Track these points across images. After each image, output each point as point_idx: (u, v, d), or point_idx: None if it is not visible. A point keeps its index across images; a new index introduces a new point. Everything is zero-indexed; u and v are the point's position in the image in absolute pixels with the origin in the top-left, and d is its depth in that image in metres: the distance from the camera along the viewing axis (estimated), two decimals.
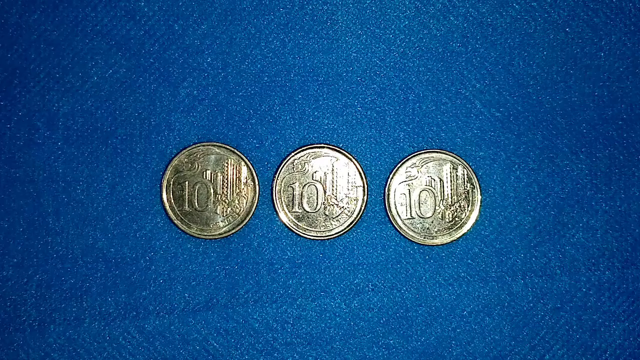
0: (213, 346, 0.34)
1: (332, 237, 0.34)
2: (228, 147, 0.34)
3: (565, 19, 0.35)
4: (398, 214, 0.35)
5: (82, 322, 0.34)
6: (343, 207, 0.34)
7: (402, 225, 0.34)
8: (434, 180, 0.35)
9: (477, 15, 0.35)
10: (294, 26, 0.35)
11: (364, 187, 0.34)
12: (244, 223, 0.34)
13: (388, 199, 0.34)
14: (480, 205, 0.35)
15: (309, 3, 0.35)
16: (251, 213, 0.34)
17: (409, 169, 0.35)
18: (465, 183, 0.35)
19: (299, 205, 0.34)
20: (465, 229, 0.35)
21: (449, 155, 0.35)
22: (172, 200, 0.34)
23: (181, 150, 0.34)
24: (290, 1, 0.35)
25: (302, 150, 0.34)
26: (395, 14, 0.35)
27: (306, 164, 0.34)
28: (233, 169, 0.34)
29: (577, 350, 0.35)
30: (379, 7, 0.35)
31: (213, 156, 0.34)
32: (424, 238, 0.35)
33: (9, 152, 0.35)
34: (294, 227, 0.34)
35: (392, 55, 0.35)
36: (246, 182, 0.34)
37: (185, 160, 0.34)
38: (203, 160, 0.34)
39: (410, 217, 0.35)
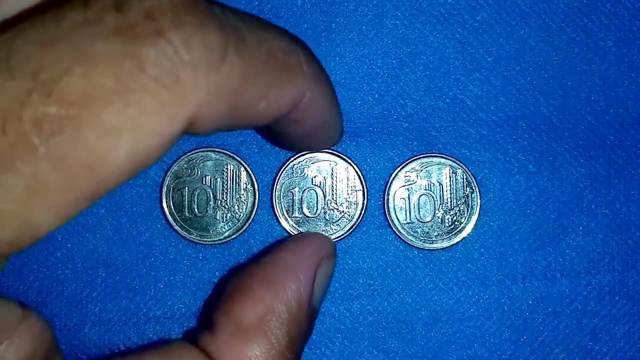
0: None
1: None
2: (227, 152, 0.34)
3: (560, 25, 0.36)
4: (397, 218, 0.35)
5: (83, 328, 0.34)
6: (343, 211, 0.35)
7: (402, 230, 0.35)
8: (434, 184, 0.35)
9: (473, 23, 0.36)
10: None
11: (363, 191, 0.35)
12: (244, 228, 0.34)
13: (387, 203, 0.35)
14: (480, 209, 0.35)
15: (308, 12, 0.36)
16: (251, 218, 0.34)
17: (408, 173, 0.35)
18: (465, 187, 0.35)
19: (299, 210, 0.35)
20: (464, 233, 0.35)
21: (448, 159, 0.35)
22: (172, 206, 0.34)
23: (181, 156, 0.35)
24: (289, 10, 0.36)
25: (302, 155, 0.35)
26: (392, 22, 0.36)
27: (305, 168, 0.35)
28: (232, 174, 0.35)
29: (577, 354, 0.35)
30: (376, 16, 0.36)
31: (212, 162, 0.34)
32: (424, 242, 0.35)
33: None
34: (294, 232, 0.34)
35: (390, 62, 0.36)
36: (246, 187, 0.35)
37: (185, 166, 0.34)
38: (202, 166, 0.34)
39: (409, 221, 0.35)
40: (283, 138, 0.31)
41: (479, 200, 0.35)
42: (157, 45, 0.20)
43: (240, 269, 0.30)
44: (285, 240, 0.32)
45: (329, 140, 0.31)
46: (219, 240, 0.34)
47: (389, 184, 0.35)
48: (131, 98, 0.20)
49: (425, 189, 0.35)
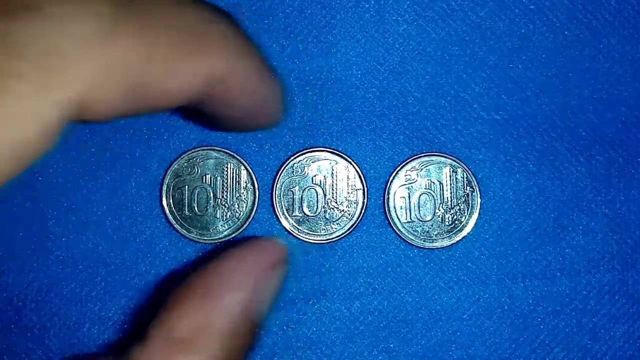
0: None
1: (332, 240, 0.34)
2: (228, 151, 0.34)
3: (563, 22, 0.35)
4: (398, 217, 0.35)
5: (82, 327, 0.34)
6: (343, 210, 0.34)
7: (402, 229, 0.34)
8: (434, 183, 0.35)
9: (476, 19, 0.35)
10: (293, 30, 0.35)
11: (363, 190, 0.34)
12: (244, 227, 0.34)
13: (388, 202, 0.35)
14: (480, 208, 0.35)
15: (308, 7, 0.35)
16: (251, 217, 0.34)
17: (408, 172, 0.35)
18: (465, 186, 0.35)
19: (299, 209, 0.34)
20: (465, 232, 0.35)
21: (449, 158, 0.35)
22: (172, 205, 0.34)
23: (181, 155, 0.34)
24: (289, 5, 0.35)
25: (302, 154, 0.34)
26: (393, 18, 0.35)
27: (306, 167, 0.35)
28: (233, 173, 0.34)
29: (577, 353, 0.35)
30: (378, 11, 0.35)
31: (212, 160, 0.34)
32: (424, 241, 0.35)
33: None
34: (294, 231, 0.34)
35: (391, 58, 0.35)
36: (246, 186, 0.34)
37: (185, 164, 0.34)
38: (203, 165, 0.34)
39: (410, 220, 0.35)
40: (217, 120, 0.27)
41: (479, 199, 0.35)
42: (31, 20, 0.18)
43: (182, 278, 0.29)
44: (232, 246, 0.30)
45: (267, 120, 0.27)
46: (219, 239, 0.34)
47: (389, 183, 0.35)
48: (1, 84, 0.18)
49: (426, 188, 0.35)
